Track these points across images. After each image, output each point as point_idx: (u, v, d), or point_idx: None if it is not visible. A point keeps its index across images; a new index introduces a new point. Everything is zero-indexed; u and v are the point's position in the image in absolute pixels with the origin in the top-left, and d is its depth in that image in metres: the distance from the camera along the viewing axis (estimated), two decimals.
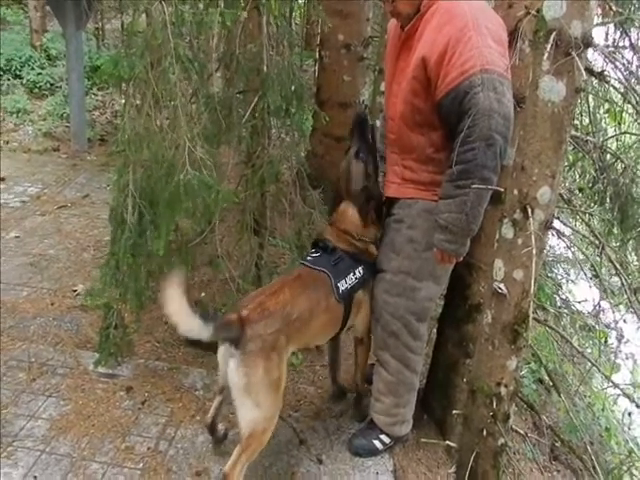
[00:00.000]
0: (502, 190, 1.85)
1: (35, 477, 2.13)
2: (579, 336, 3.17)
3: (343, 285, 2.23)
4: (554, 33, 1.59)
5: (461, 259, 2.09)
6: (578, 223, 2.98)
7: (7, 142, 5.47)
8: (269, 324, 2.00)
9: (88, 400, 2.52)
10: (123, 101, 2.81)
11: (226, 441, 2.36)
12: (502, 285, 1.80)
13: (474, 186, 1.86)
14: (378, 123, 2.66)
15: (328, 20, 3.64)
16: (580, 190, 2.95)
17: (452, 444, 2.19)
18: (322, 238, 2.37)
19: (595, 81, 2.62)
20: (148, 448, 2.32)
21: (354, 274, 2.26)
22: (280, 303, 2.07)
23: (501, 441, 1.93)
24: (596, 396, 3.64)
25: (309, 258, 2.32)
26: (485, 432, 1.92)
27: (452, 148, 1.91)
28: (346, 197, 2.35)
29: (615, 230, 2.70)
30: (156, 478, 2.19)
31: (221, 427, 2.35)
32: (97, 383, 2.63)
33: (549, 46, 1.60)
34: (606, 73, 2.30)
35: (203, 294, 3.17)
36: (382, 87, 3.80)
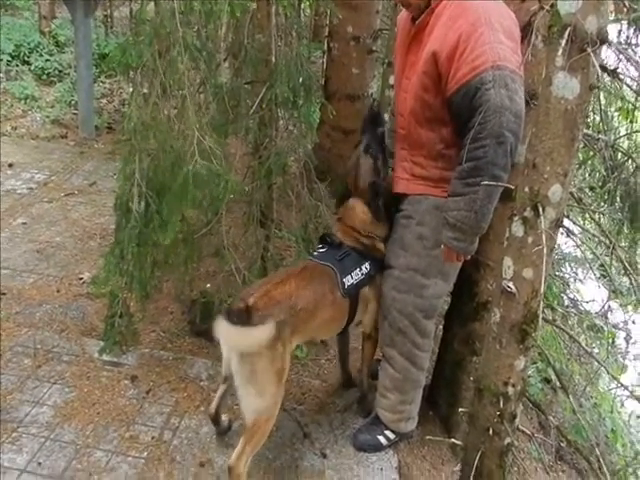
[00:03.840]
0: (512, 187, 1.82)
1: (39, 463, 2.15)
2: (586, 336, 3.15)
3: (349, 280, 2.22)
4: (569, 28, 1.55)
5: (469, 257, 2.07)
6: (587, 222, 2.95)
7: (15, 128, 5.46)
8: (275, 313, 1.99)
9: (93, 388, 2.53)
10: (131, 89, 2.79)
11: (230, 433, 2.36)
12: (511, 284, 1.77)
13: (484, 183, 1.83)
14: (386, 118, 2.64)
15: (338, 12, 3.61)
16: (591, 189, 2.92)
17: (457, 442, 2.17)
18: (329, 233, 2.36)
19: (607, 78, 2.59)
20: (152, 437, 2.32)
21: (360, 270, 2.25)
22: (286, 293, 2.07)
23: (507, 440, 1.92)
24: (602, 397, 3.63)
25: (316, 253, 2.32)
26: (491, 431, 1.90)
27: (462, 144, 1.89)
28: (354, 192, 2.33)
29: (625, 230, 2.67)
30: (160, 468, 2.20)
31: (225, 418, 2.36)
32: (102, 371, 2.64)
33: (564, 42, 1.56)
34: (619, 70, 2.27)
35: (208, 285, 3.16)
36: (391, 80, 3.78)
